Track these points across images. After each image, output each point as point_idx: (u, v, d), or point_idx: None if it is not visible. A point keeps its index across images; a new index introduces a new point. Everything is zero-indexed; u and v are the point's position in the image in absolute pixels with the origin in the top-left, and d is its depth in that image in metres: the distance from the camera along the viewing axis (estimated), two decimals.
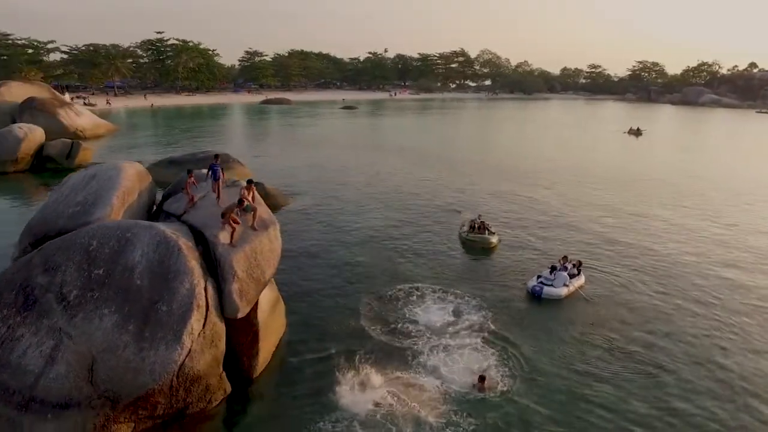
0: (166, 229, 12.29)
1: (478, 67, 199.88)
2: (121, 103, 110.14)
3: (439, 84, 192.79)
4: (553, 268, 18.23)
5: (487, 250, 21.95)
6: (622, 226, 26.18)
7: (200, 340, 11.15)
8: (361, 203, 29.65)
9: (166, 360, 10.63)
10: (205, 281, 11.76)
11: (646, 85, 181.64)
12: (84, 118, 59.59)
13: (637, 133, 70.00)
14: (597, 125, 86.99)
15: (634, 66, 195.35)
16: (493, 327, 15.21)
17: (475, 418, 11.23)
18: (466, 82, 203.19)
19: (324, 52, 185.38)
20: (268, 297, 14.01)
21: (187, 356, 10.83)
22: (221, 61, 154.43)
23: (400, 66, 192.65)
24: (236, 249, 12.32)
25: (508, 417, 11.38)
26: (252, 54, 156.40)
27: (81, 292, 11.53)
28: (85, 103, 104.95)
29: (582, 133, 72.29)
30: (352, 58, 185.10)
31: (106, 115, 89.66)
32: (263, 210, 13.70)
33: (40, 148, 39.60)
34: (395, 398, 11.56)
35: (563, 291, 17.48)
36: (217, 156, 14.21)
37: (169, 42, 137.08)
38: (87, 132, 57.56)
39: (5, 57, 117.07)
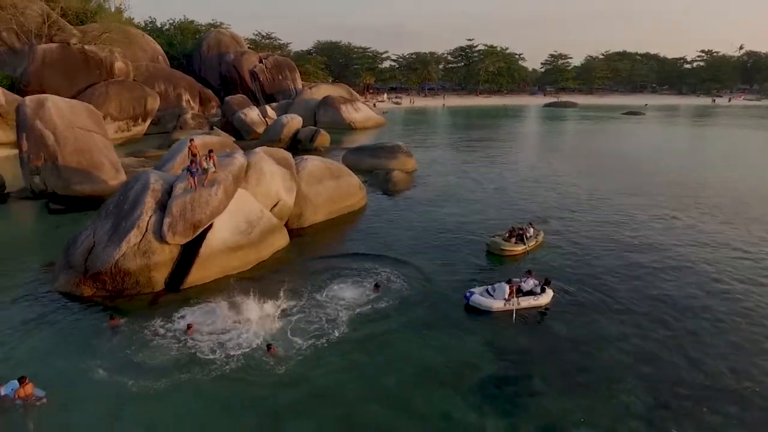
0: (154, 175, 18.36)
1: None
2: (422, 102, 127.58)
3: None
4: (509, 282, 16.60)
5: (498, 256, 20.53)
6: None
7: (134, 249, 16.76)
8: (467, 200, 30.00)
9: (110, 255, 16.67)
10: (154, 213, 17.29)
11: None
12: (359, 114, 73.84)
13: None
14: None
15: None
16: (374, 315, 15.62)
17: (231, 375, 12.58)
18: None
19: (652, 52, 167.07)
20: (226, 241, 18.56)
21: (121, 256, 16.62)
22: (527, 64, 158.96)
23: (748, 66, 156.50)
24: (181, 196, 17.38)
25: (271, 383, 12.44)
26: (556, 57, 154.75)
27: (111, 208, 18.71)
28: (393, 102, 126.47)
29: None
30: (677, 58, 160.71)
31: (413, 111, 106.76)
32: (218, 174, 18.29)
33: (296, 132, 52.94)
34: (211, 339, 14.02)
35: (495, 304, 15.90)
36: (210, 151, 19.35)
37: (477, 48, 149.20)
38: (357, 124, 71.63)
39: (357, 66, 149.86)
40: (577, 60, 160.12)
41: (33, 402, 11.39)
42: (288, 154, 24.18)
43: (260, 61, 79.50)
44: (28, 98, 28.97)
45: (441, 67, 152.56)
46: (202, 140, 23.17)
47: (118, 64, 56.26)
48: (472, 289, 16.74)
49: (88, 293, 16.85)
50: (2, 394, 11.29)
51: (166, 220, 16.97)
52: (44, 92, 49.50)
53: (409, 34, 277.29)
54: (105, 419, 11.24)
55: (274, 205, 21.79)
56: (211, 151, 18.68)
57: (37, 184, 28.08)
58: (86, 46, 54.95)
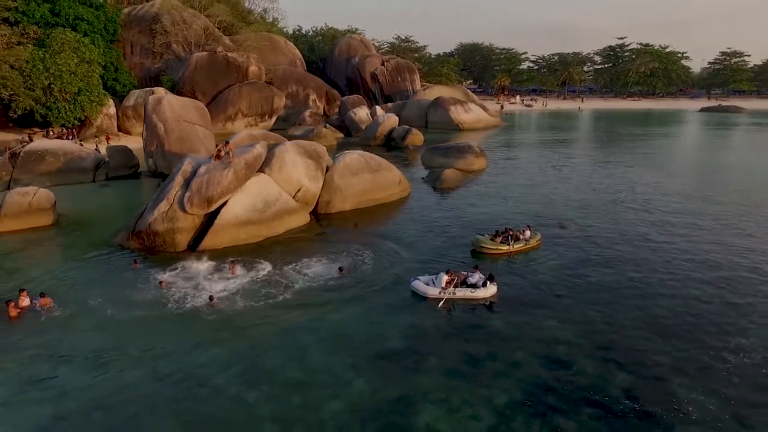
0: (189, 160, 22.78)
1: None
2: (556, 105, 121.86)
3: None
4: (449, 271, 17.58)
5: (477, 253, 21.05)
6: None
7: (163, 215, 21.28)
8: (505, 202, 30.14)
9: (147, 219, 21.42)
10: (181, 188, 21.62)
11: None
12: (468, 115, 74.26)
13: None
14: None
15: None
16: (324, 289, 17.87)
17: (175, 323, 15.70)
18: None
19: None
20: (238, 216, 22.27)
21: (153, 220, 21.24)
22: (691, 64, 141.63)
23: None
24: (200, 175, 21.44)
25: (212, 328, 15.42)
26: (729, 54, 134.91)
27: (165, 181, 23.65)
28: (526, 104, 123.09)
29: None
30: None
31: (543, 114, 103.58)
32: (232, 160, 22.01)
33: (391, 131, 56.00)
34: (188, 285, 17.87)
35: (431, 291, 17.01)
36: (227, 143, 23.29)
37: (630, 47, 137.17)
38: (465, 125, 72.26)
39: (497, 67, 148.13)
40: (757, 58, 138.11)
41: (48, 310, 16.13)
42: (321, 148, 27.27)
43: (382, 64, 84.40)
44: (151, 96, 36.44)
45: (587, 68, 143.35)
46: (248, 133, 27.51)
47: (252, 68, 65.18)
48: (419, 276, 18.02)
49: (133, 246, 21.84)
50: (30, 301, 16.24)
51: (186, 194, 21.21)
52: (194, 93, 59.88)
53: (564, 33, 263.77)
54: (87, 329, 15.42)
55: (298, 191, 25.03)
56: (227, 141, 22.61)
57: (150, 165, 35.31)
58: (228, 53, 64.70)
